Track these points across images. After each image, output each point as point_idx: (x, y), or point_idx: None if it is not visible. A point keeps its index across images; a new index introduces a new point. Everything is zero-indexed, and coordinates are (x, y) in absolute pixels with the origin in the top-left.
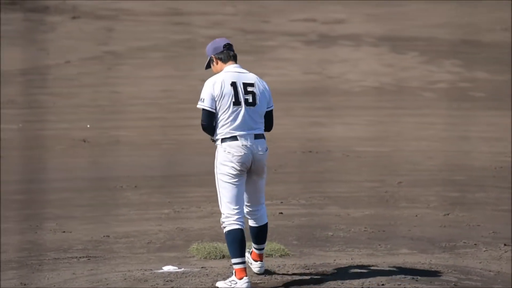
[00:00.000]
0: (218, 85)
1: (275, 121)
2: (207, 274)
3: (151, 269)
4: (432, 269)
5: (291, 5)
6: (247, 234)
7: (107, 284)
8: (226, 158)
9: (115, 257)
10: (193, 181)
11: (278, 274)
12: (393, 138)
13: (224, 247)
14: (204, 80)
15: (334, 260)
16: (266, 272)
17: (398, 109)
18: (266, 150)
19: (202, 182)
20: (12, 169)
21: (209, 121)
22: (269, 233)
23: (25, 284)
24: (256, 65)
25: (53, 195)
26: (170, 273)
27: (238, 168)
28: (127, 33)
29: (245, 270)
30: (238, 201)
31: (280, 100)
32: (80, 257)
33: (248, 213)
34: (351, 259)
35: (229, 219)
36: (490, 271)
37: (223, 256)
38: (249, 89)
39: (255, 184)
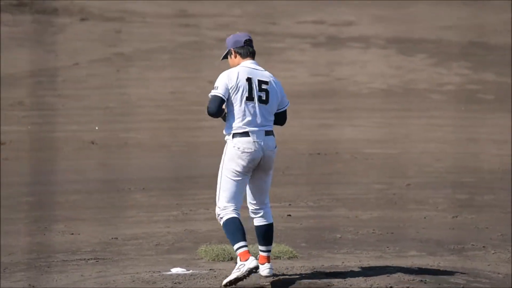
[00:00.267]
0: (234, 77)
1: None
2: (215, 276)
3: (159, 271)
4: (441, 272)
5: (299, 7)
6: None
7: (116, 286)
8: (235, 154)
9: (123, 259)
10: (201, 183)
11: (287, 276)
12: (401, 140)
13: (232, 249)
14: (213, 82)
15: (343, 262)
16: (274, 274)
17: (406, 111)
18: (275, 147)
19: (210, 184)
20: (21, 171)
21: (218, 107)
22: (277, 235)
23: (33, 286)
24: (264, 67)
25: (62, 197)
26: (178, 275)
27: (246, 166)
28: (135, 35)
29: (249, 252)
30: (237, 198)
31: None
32: (88, 259)
33: (253, 211)
34: (360, 261)
35: (225, 210)
36: (498, 273)
37: (231, 258)
38: (264, 86)
39: (262, 181)
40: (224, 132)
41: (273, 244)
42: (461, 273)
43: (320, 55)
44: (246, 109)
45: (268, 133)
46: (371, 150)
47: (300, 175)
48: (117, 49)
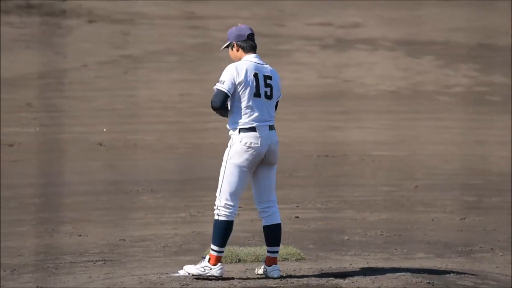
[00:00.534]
0: (242, 72)
1: (291, 124)
2: (223, 278)
3: (167, 273)
4: (449, 274)
5: (308, 9)
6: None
7: (123, 287)
8: (241, 149)
9: (131, 261)
10: (209, 185)
11: (294, 278)
12: (409, 142)
13: (240, 251)
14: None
15: (350, 264)
16: (282, 276)
17: (414, 113)
18: (278, 142)
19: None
20: (29, 172)
21: (222, 102)
22: (285, 236)
23: None
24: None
25: (70, 198)
26: (186, 277)
27: (251, 160)
28: (143, 37)
29: (221, 259)
30: (238, 194)
31: (296, 104)
32: (96, 261)
33: (261, 211)
34: (367, 263)
35: (227, 210)
36: (506, 275)
37: (239, 260)
38: (268, 81)
39: (267, 176)
40: (228, 127)
41: (281, 246)
42: (469, 275)
43: (328, 57)
44: (253, 105)
45: (272, 127)
46: (379, 152)
47: (308, 177)
48: (125, 51)
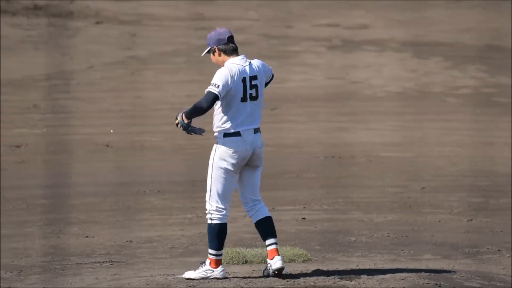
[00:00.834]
0: (235, 77)
1: (298, 125)
2: (229, 279)
3: (173, 274)
4: (455, 275)
5: (315, 10)
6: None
7: None
8: (226, 153)
9: (138, 262)
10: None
11: (301, 279)
12: (417, 143)
13: (247, 252)
14: None
15: (357, 265)
16: (289, 277)
17: (422, 115)
18: (262, 145)
19: None
20: (36, 173)
21: (211, 105)
22: (291, 238)
23: None
24: (280, 70)
25: (77, 199)
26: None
27: (236, 164)
28: (150, 38)
29: (221, 262)
30: (228, 197)
31: (304, 105)
32: (103, 262)
33: (248, 210)
34: (374, 264)
35: (219, 213)
36: None
37: (246, 261)
38: (253, 82)
39: (251, 178)
40: (214, 129)
41: (288, 248)
42: (476, 276)
43: (335, 58)
44: (239, 110)
45: (256, 130)
46: (386, 154)
47: (315, 178)
48: (132, 52)
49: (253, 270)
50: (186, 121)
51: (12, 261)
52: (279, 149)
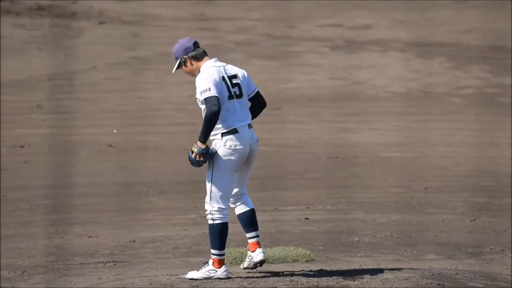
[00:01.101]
0: (216, 79)
1: (301, 125)
2: (232, 279)
3: (177, 274)
4: (459, 275)
5: (318, 11)
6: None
7: None
8: (227, 152)
9: (141, 262)
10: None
11: (304, 279)
12: (420, 143)
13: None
14: None
15: (360, 265)
16: (292, 277)
17: (425, 115)
18: (257, 140)
19: None
20: (39, 174)
21: (220, 106)
22: (295, 238)
23: None
24: (283, 70)
25: (80, 200)
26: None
27: (238, 162)
28: (153, 39)
29: (224, 261)
30: (228, 198)
31: (307, 106)
32: (106, 262)
33: (233, 202)
34: (377, 264)
35: (220, 213)
36: None
37: None
38: (234, 81)
39: (244, 174)
40: (208, 148)
41: (291, 248)
42: (479, 276)
43: (338, 59)
44: (229, 108)
45: (250, 126)
46: (389, 154)
47: (318, 178)
48: (135, 53)
49: (256, 270)
50: (203, 146)
51: (16, 261)
52: (282, 149)
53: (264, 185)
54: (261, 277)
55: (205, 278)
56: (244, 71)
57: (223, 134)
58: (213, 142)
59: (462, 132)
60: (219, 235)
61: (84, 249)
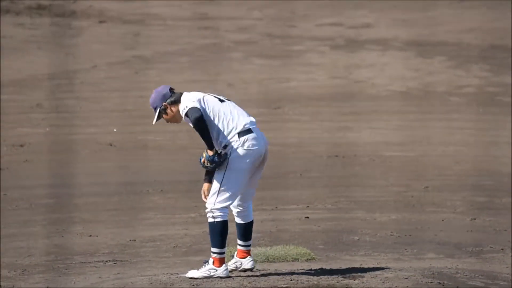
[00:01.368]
0: (196, 97)
1: (302, 124)
2: (232, 278)
3: (177, 273)
4: (459, 274)
5: (318, 10)
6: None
7: (133, 287)
8: (244, 153)
9: (141, 261)
10: None
11: (304, 278)
12: (420, 142)
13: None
14: (232, 84)
15: (361, 264)
16: (292, 276)
17: (425, 114)
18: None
19: None
20: (39, 173)
21: (202, 113)
22: (295, 237)
23: None
24: (283, 69)
25: (80, 199)
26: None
27: (254, 162)
28: (154, 38)
29: (224, 260)
30: (235, 199)
31: (307, 105)
32: (106, 261)
33: (240, 211)
34: (377, 263)
35: (221, 211)
36: None
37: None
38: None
39: (256, 177)
40: (220, 143)
41: (291, 247)
42: (479, 275)
43: (339, 58)
44: (227, 108)
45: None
46: (389, 153)
47: (318, 177)
48: (136, 52)
49: (257, 269)
50: (212, 153)
51: (16, 260)
52: (283, 148)
53: (264, 184)
54: (261, 276)
55: (205, 277)
56: None
57: (239, 135)
58: (229, 146)
59: (462, 131)
60: (219, 233)
61: (84, 248)
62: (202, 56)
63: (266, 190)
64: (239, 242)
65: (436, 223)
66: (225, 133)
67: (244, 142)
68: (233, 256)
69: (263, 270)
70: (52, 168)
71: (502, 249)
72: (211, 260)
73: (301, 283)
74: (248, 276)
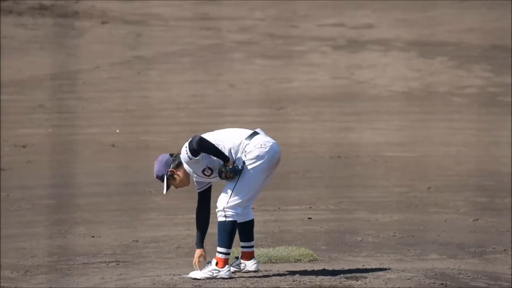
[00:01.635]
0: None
1: (304, 125)
2: (235, 279)
3: (179, 274)
4: (461, 275)
5: (320, 10)
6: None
7: None
8: (260, 151)
9: (143, 262)
10: (222, 185)
11: (307, 279)
12: (422, 143)
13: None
14: (234, 85)
15: (363, 265)
16: (294, 277)
17: (427, 114)
18: None
19: None
20: (42, 173)
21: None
22: (297, 238)
23: None
24: (285, 70)
25: (82, 199)
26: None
27: (271, 160)
28: (156, 38)
29: (228, 261)
30: (247, 202)
31: (309, 105)
32: (109, 262)
33: (244, 212)
34: (380, 264)
35: (234, 211)
36: None
37: None
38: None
39: (269, 178)
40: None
41: (294, 247)
42: (482, 276)
43: (340, 58)
44: (225, 130)
45: None
46: (391, 153)
47: (320, 178)
48: (138, 52)
49: (259, 270)
50: (231, 165)
51: (18, 261)
52: (284, 148)
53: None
54: (263, 276)
55: (208, 278)
56: None
57: (248, 138)
58: (243, 155)
59: (463, 131)
60: (229, 232)
61: (86, 249)
62: (204, 56)
63: (268, 191)
64: (241, 244)
65: (439, 224)
66: (235, 145)
67: (256, 143)
68: (237, 258)
69: (265, 271)
70: (54, 168)
71: (504, 250)
72: (214, 261)
73: (304, 284)
74: (251, 277)
